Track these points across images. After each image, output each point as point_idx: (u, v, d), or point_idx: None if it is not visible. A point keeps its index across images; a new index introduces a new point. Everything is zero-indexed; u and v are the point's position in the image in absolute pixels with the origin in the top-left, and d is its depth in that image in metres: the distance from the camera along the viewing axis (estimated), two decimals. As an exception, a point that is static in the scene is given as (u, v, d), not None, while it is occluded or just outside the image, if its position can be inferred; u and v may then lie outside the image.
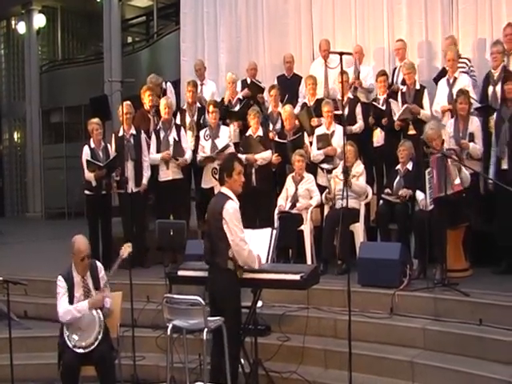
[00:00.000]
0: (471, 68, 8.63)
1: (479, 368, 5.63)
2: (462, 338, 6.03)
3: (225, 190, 5.54)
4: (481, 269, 7.36)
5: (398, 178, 7.89)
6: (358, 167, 8.14)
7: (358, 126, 8.85)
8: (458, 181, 6.90)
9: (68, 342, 5.59)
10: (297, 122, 8.99)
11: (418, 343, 6.29)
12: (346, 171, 7.28)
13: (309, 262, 7.97)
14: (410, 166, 7.86)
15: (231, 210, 5.36)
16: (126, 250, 6.16)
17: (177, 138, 8.87)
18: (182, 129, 9.13)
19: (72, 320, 5.63)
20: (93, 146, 8.72)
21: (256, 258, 5.55)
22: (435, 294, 6.62)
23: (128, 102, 8.78)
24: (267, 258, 5.82)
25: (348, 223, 7.60)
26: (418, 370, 5.96)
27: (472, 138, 7.59)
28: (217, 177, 8.50)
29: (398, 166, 7.93)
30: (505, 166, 7.13)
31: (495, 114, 7.52)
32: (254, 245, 5.64)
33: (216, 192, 8.41)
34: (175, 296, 5.62)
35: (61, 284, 5.79)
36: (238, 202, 5.49)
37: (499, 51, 7.87)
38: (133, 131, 8.81)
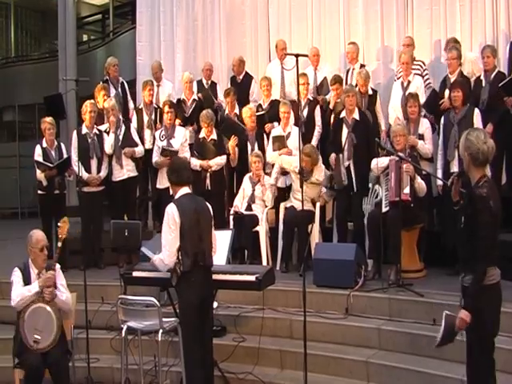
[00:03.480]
0: (425, 71, 8.73)
1: (433, 367, 5.69)
2: (416, 337, 6.09)
3: (189, 190, 5.51)
4: (435, 270, 7.43)
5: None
6: (320, 175, 8.08)
7: (316, 137, 8.89)
8: (407, 190, 6.95)
9: (28, 343, 5.43)
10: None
11: (373, 343, 6.34)
12: (302, 172, 7.30)
13: (264, 262, 7.97)
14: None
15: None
16: (64, 228, 5.93)
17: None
18: (132, 126, 9.11)
19: (22, 302, 5.46)
20: (45, 145, 8.55)
21: None
22: (390, 295, 6.67)
23: (92, 101, 8.74)
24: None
25: (305, 224, 7.64)
26: (373, 369, 6.00)
27: (422, 138, 7.69)
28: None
29: None
30: (455, 168, 7.21)
31: (442, 117, 7.62)
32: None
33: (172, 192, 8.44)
34: (130, 297, 5.57)
35: (16, 274, 5.69)
36: None
37: (454, 57, 7.98)
38: (96, 130, 8.68)
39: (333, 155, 7.96)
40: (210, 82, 10.05)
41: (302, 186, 6.15)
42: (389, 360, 6.03)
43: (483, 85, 7.80)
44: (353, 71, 9.12)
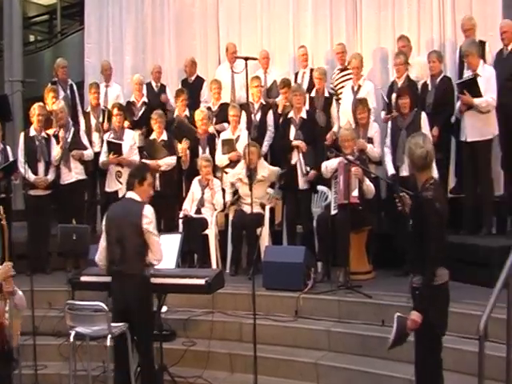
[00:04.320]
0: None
1: (382, 367, 5.76)
2: (365, 338, 6.16)
3: (133, 195, 5.41)
4: (383, 271, 7.52)
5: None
6: (264, 171, 8.12)
7: (267, 141, 8.91)
8: (355, 193, 7.05)
9: None
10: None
11: (323, 345, 6.38)
12: (250, 176, 7.31)
13: (214, 266, 7.95)
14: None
15: (151, 215, 5.30)
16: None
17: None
18: (81, 129, 8.98)
19: None
20: (-10, 148, 8.39)
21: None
22: (339, 297, 6.73)
23: (40, 104, 8.61)
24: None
25: (254, 227, 7.65)
26: (323, 371, 6.04)
27: (371, 142, 7.79)
28: (121, 180, 8.42)
29: None
30: (404, 172, 7.30)
31: (390, 122, 7.73)
32: (163, 249, 5.52)
33: (121, 195, 8.38)
34: (78, 302, 5.48)
35: None
36: None
37: (402, 62, 8.09)
38: (44, 134, 8.53)
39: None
40: (159, 85, 9.99)
41: (251, 189, 6.18)
42: (338, 361, 6.08)
43: (429, 89, 7.93)
44: (303, 74, 9.19)
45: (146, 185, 5.45)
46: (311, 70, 9.11)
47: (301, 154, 7.92)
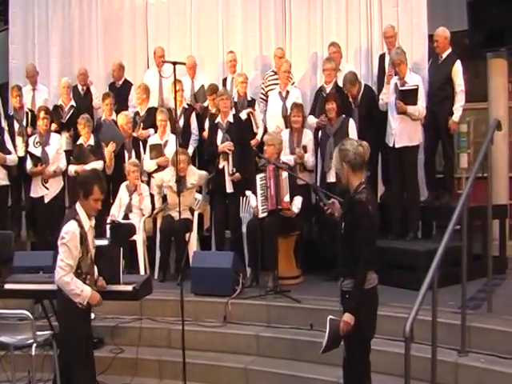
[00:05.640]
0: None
1: (311, 371, 5.83)
2: (294, 343, 6.22)
3: (77, 206, 5.00)
4: (312, 276, 7.60)
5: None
6: (193, 178, 8.09)
7: (192, 145, 8.90)
8: (286, 198, 7.12)
9: None
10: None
11: (252, 350, 6.40)
12: (179, 180, 7.26)
13: (142, 272, 7.86)
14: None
15: (67, 232, 4.81)
16: None
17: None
18: (6, 132, 8.82)
19: None
20: None
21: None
22: (268, 302, 6.77)
23: None
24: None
25: (182, 233, 7.60)
26: (252, 376, 6.08)
27: (305, 150, 7.87)
28: (47, 185, 8.27)
29: None
30: (331, 179, 7.40)
31: (319, 130, 7.84)
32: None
33: (46, 201, 8.23)
34: (1, 311, 5.33)
35: None
36: (84, 224, 4.93)
37: (332, 68, 8.20)
38: None
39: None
40: (85, 88, 9.84)
41: (179, 195, 6.16)
42: (268, 366, 6.11)
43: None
44: (232, 80, 9.19)
45: (92, 200, 4.93)
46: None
47: (230, 157, 7.93)
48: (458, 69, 7.74)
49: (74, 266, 4.82)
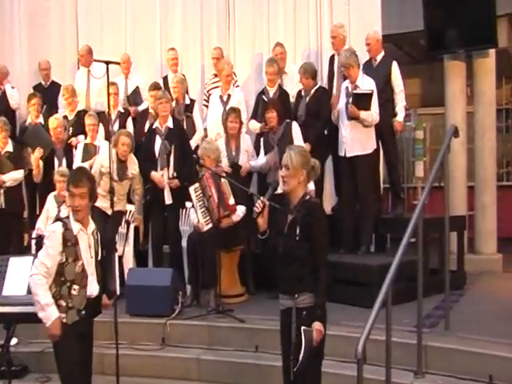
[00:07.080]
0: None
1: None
2: (238, 366, 6.21)
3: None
4: (258, 293, 7.64)
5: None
6: (134, 168, 8.02)
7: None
8: (232, 201, 7.17)
9: None
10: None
11: (193, 375, 6.38)
12: (112, 191, 7.18)
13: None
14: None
15: (48, 231, 4.94)
16: None
17: None
18: None
19: None
20: None
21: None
22: (209, 322, 6.76)
23: None
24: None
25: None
26: (193, 403, 6.05)
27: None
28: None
29: None
30: (278, 189, 7.42)
31: (262, 138, 7.91)
32: (13, 274, 5.33)
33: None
34: None
35: None
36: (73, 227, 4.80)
37: (275, 72, 8.28)
38: None
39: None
40: (3, 88, 9.68)
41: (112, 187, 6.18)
42: (209, 392, 6.11)
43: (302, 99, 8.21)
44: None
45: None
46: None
47: (172, 162, 7.93)
48: (395, 70, 8.00)
49: (50, 268, 4.67)
